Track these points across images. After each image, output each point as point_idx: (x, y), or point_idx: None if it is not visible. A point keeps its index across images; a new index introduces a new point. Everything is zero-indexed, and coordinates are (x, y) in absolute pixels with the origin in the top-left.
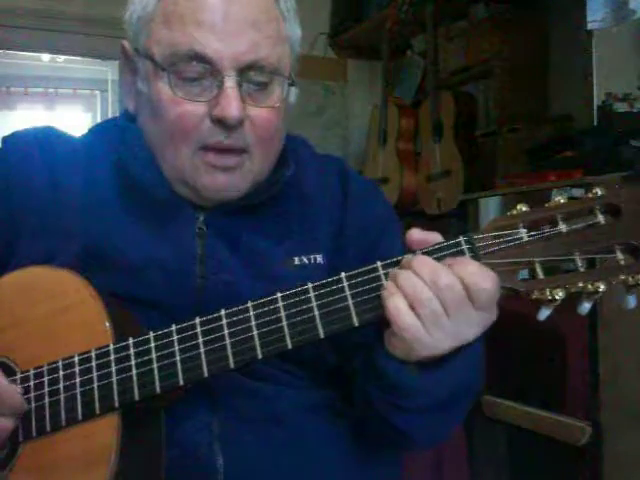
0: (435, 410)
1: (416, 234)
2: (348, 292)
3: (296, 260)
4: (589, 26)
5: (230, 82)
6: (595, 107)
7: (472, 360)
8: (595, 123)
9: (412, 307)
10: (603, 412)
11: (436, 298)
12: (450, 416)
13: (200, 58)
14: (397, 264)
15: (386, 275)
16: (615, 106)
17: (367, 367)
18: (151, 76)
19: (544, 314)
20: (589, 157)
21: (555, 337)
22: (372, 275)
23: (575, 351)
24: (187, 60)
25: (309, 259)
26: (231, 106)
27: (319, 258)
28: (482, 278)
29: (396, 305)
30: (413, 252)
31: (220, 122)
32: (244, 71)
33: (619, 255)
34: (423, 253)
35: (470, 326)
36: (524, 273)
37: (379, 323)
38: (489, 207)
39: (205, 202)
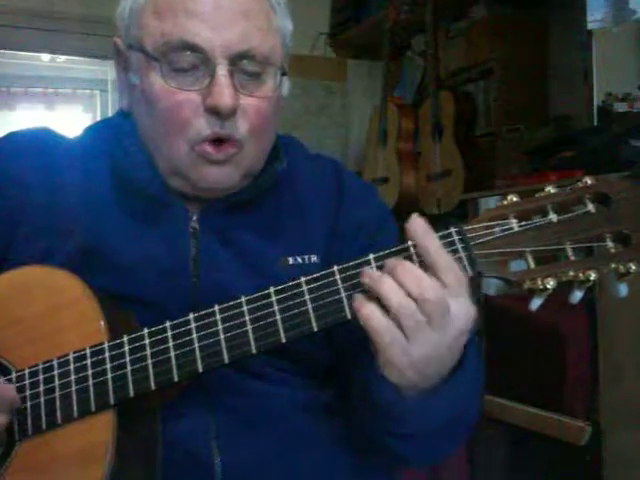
0: (429, 436)
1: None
2: (341, 285)
3: (290, 260)
4: (589, 26)
5: (222, 71)
6: (595, 107)
7: (467, 386)
8: (595, 123)
9: (395, 318)
10: (603, 412)
11: (419, 311)
12: (445, 442)
13: (192, 48)
14: (389, 256)
15: (379, 267)
16: (615, 106)
17: (361, 391)
18: (143, 68)
19: (536, 303)
20: (589, 157)
21: (555, 337)
22: (365, 268)
23: (575, 351)
24: (179, 50)
25: (303, 259)
26: (224, 94)
27: (314, 258)
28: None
29: (371, 314)
30: (405, 243)
31: (213, 111)
32: (236, 60)
33: (609, 243)
34: (414, 245)
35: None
36: (516, 263)
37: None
38: (489, 207)
39: (200, 194)
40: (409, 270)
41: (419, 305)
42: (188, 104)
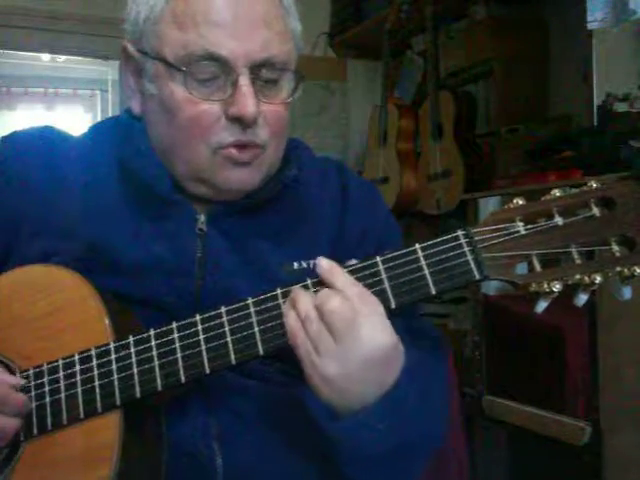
0: (372, 464)
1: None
2: None
3: (295, 265)
4: (589, 26)
5: (244, 80)
6: (595, 107)
7: (406, 416)
8: (595, 123)
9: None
10: (603, 412)
11: (320, 321)
12: (393, 474)
13: (215, 58)
14: (396, 259)
15: (386, 269)
16: (615, 106)
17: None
18: (162, 77)
19: (541, 306)
20: (589, 157)
21: (555, 337)
22: (372, 270)
23: (575, 351)
24: (201, 60)
25: (309, 264)
26: (248, 104)
27: None
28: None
29: (291, 319)
30: (411, 246)
31: (236, 120)
32: (256, 69)
33: (614, 247)
34: (421, 248)
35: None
36: (522, 266)
37: None
38: (489, 207)
39: (220, 196)
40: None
41: (320, 313)
42: (210, 114)
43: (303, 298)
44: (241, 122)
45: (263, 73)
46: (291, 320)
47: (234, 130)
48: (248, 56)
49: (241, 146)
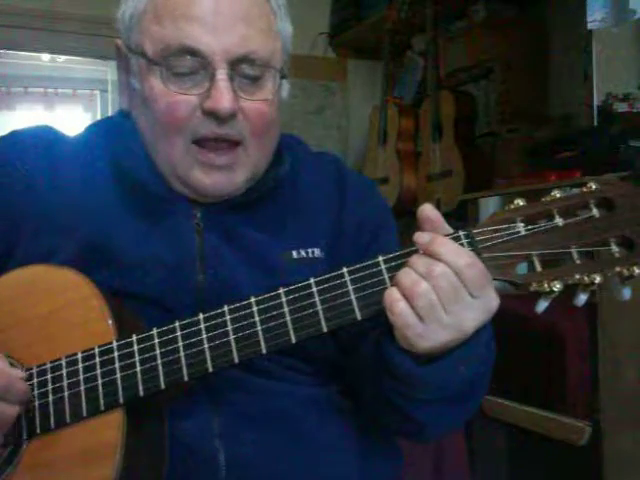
0: (447, 402)
1: (428, 210)
2: (350, 287)
3: (294, 253)
4: (589, 26)
5: (221, 75)
6: (595, 107)
7: (481, 353)
8: (595, 123)
9: (408, 300)
10: (603, 412)
11: (432, 290)
12: (462, 408)
13: (191, 52)
14: (398, 258)
15: (388, 269)
16: (615, 106)
17: (378, 360)
18: (143, 72)
19: (542, 306)
20: (589, 157)
21: (555, 337)
22: (374, 269)
23: (575, 351)
24: (178, 55)
25: (307, 252)
26: (223, 98)
27: (317, 252)
28: (467, 260)
29: (390, 294)
30: (412, 246)
31: (212, 114)
32: (235, 64)
33: (614, 247)
34: None
35: (468, 313)
36: (522, 266)
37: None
38: (489, 207)
39: (201, 198)
40: (419, 256)
41: (430, 283)
42: (185, 105)
43: (405, 272)
44: (216, 117)
45: (243, 69)
46: (392, 293)
47: (209, 123)
48: (226, 51)
49: (216, 146)
